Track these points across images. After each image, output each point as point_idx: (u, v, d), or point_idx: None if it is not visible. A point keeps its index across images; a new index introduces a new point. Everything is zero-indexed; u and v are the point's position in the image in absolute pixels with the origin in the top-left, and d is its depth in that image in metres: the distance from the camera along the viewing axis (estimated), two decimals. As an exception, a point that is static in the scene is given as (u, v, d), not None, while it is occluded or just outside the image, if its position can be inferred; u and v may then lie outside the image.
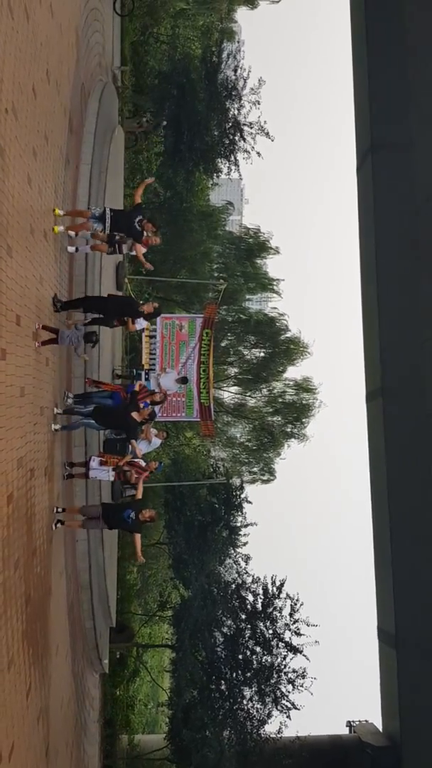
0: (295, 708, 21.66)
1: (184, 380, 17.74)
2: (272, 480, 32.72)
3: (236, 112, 28.03)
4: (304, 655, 21.98)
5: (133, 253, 13.17)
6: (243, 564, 24.49)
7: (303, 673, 21.87)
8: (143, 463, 13.90)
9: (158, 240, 13.03)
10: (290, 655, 22.05)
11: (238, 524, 24.33)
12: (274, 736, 21.71)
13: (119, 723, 23.37)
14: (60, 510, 11.66)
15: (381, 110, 25.83)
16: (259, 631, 22.46)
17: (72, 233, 12.22)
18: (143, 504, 12.16)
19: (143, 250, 12.91)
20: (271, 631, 22.36)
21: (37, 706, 9.76)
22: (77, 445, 13.76)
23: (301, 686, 21.77)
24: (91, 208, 12.70)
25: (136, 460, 13.63)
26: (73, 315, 12.53)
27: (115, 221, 12.10)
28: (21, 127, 8.61)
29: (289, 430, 31.30)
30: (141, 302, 13.97)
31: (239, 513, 24.36)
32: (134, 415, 11.90)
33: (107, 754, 21.37)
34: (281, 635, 22.23)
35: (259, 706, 21.84)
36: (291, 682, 21.76)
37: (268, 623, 22.44)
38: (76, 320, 12.26)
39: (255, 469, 32.65)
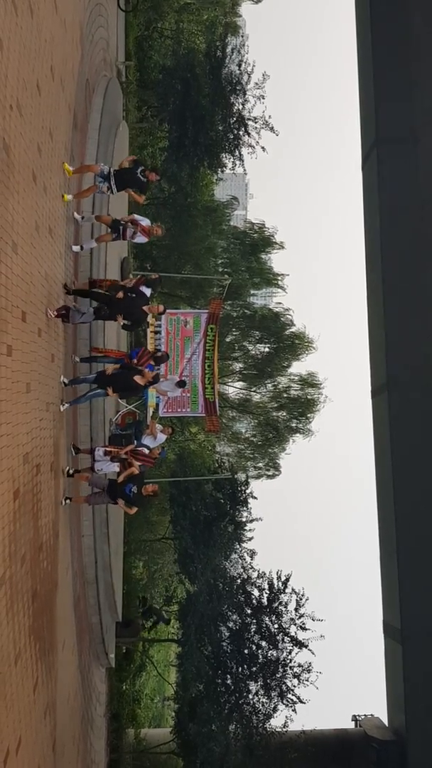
0: (301, 702, 21.74)
1: (182, 384, 17.82)
2: (277, 475, 32.77)
3: (241, 106, 27.93)
4: (309, 650, 22.07)
5: (137, 240, 13.20)
6: (248, 559, 24.61)
7: (308, 667, 21.97)
8: (146, 450, 13.89)
9: (160, 231, 13.21)
10: (296, 649, 22.13)
11: (244, 519, 24.41)
12: (279, 730, 21.79)
13: (125, 717, 23.47)
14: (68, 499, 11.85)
15: (386, 104, 25.75)
16: (264, 625, 22.52)
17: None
18: (145, 480, 12.35)
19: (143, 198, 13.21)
20: (276, 626, 22.42)
21: (44, 700, 9.81)
22: (83, 442, 13.81)
23: (307, 680, 21.87)
24: (100, 164, 12.85)
25: (139, 448, 13.61)
26: (79, 301, 12.72)
27: (119, 178, 12.39)
28: (25, 124, 8.61)
29: (294, 425, 31.29)
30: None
31: (244, 508, 24.43)
32: (137, 378, 11.94)
33: (114, 748, 21.45)
34: (287, 630, 22.29)
35: (264, 700, 21.93)
36: (296, 676, 21.84)
37: (273, 618, 22.50)
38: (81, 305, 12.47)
39: (260, 465, 32.69)
